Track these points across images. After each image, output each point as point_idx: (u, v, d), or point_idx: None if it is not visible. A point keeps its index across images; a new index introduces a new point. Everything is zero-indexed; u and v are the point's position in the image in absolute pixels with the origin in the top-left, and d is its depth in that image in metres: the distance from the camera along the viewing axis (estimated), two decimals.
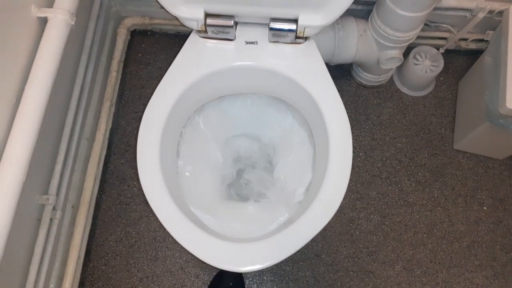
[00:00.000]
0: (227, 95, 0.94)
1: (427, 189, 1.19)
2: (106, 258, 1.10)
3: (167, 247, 1.12)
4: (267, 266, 0.67)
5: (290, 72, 0.83)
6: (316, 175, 0.82)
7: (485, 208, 1.18)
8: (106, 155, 1.18)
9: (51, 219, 0.93)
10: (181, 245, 1.10)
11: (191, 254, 1.10)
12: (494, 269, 1.13)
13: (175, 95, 0.80)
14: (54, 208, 0.93)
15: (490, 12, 1.07)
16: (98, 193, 1.14)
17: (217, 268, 1.10)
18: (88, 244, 1.09)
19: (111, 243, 1.12)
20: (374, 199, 1.18)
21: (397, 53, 1.07)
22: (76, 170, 1.04)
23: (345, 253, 1.13)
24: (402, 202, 1.18)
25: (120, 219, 1.14)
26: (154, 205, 0.72)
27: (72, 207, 1.03)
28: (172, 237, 1.11)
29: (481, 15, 1.06)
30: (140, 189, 1.16)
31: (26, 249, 0.87)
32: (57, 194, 0.95)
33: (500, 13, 1.06)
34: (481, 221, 1.17)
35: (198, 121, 0.95)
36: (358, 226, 1.15)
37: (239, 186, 1.02)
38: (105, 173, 1.18)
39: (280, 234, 0.69)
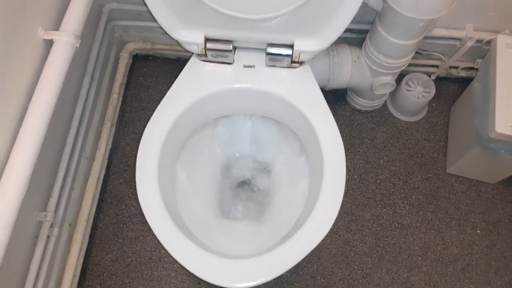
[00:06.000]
0: (225, 116, 0.97)
1: (421, 212, 1.21)
2: (102, 277, 1.10)
3: (163, 267, 1.12)
4: (261, 283, 0.68)
5: (286, 94, 0.86)
6: (310, 194, 0.83)
7: (478, 231, 1.19)
8: (105, 175, 1.19)
9: (48, 236, 0.93)
10: (176, 265, 1.11)
11: (186, 274, 1.11)
12: None
13: (174, 116, 0.83)
14: (51, 226, 0.94)
15: (479, 41, 1.12)
16: (95, 212, 1.15)
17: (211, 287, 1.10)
18: (84, 263, 1.09)
19: (107, 262, 1.12)
20: (368, 221, 1.19)
21: (389, 79, 1.10)
22: (75, 188, 1.06)
23: (340, 275, 1.13)
24: (396, 225, 1.19)
25: (116, 239, 1.14)
26: (152, 223, 0.74)
27: (70, 225, 1.04)
28: (167, 257, 1.13)
29: (469, 43, 1.11)
30: (137, 208, 1.18)
31: (22, 266, 0.87)
32: (55, 212, 0.96)
33: (488, 42, 1.10)
34: (475, 245, 1.18)
35: (197, 141, 0.97)
36: (353, 248, 1.16)
37: (236, 206, 1.04)
38: (104, 192, 1.19)
39: (274, 251, 0.70)
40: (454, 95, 1.35)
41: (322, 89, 0.93)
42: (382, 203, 1.22)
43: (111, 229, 1.15)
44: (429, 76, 1.28)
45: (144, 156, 0.80)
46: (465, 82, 1.30)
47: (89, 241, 1.12)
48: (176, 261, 0.71)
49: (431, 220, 1.20)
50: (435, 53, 1.22)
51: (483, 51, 1.15)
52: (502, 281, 1.14)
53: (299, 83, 0.88)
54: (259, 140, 1.04)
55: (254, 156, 1.07)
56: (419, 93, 1.25)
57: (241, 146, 1.05)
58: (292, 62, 0.87)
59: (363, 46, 1.10)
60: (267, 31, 0.83)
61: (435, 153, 1.28)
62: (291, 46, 0.85)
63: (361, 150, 1.28)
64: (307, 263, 1.14)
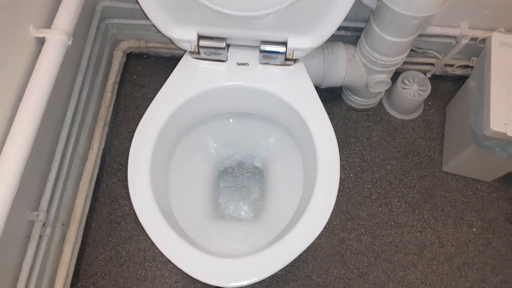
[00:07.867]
0: (218, 114, 0.96)
1: (417, 211, 1.21)
2: (95, 277, 1.09)
3: (157, 267, 1.11)
4: (254, 282, 0.67)
5: (280, 92, 0.85)
6: (304, 193, 0.83)
7: (474, 229, 1.19)
8: (98, 174, 1.18)
9: (40, 236, 0.92)
10: (170, 265, 1.11)
11: (180, 274, 1.11)
12: None
13: (167, 114, 0.82)
14: (44, 225, 0.93)
15: (474, 39, 1.12)
16: (88, 212, 1.14)
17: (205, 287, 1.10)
18: (77, 263, 1.08)
19: (101, 262, 1.11)
20: (364, 220, 1.19)
21: (385, 77, 1.10)
22: (67, 187, 1.05)
23: (336, 274, 1.13)
24: (392, 223, 1.19)
25: (110, 238, 1.13)
26: (145, 223, 0.73)
27: (62, 224, 1.03)
28: (161, 257, 1.12)
29: (464, 41, 1.11)
30: (131, 208, 1.17)
31: (14, 266, 0.86)
32: (48, 211, 0.95)
33: (483, 40, 1.10)
34: (471, 243, 1.18)
35: (191, 140, 0.97)
36: (349, 247, 1.16)
37: (229, 205, 1.03)
38: (97, 191, 1.18)
39: (268, 250, 0.70)
40: (450, 93, 1.35)
41: (317, 87, 0.93)
42: (378, 202, 1.21)
43: (105, 228, 1.14)
44: (425, 74, 1.28)
45: (137, 155, 0.79)
46: (461, 80, 1.30)
47: (82, 241, 1.11)
48: (170, 261, 0.70)
49: (427, 218, 1.20)
50: (431, 51, 1.22)
51: (478, 49, 1.14)
52: (498, 279, 1.14)
53: (293, 81, 0.87)
54: (253, 139, 1.03)
55: (249, 154, 1.07)
56: (414, 91, 1.24)
57: (235, 144, 1.05)
58: (286, 59, 0.87)
59: (358, 44, 1.10)
60: (260, 28, 0.82)
61: (431, 151, 1.28)
62: (284, 44, 0.84)
63: (357, 149, 1.27)
64: (302, 262, 1.13)
